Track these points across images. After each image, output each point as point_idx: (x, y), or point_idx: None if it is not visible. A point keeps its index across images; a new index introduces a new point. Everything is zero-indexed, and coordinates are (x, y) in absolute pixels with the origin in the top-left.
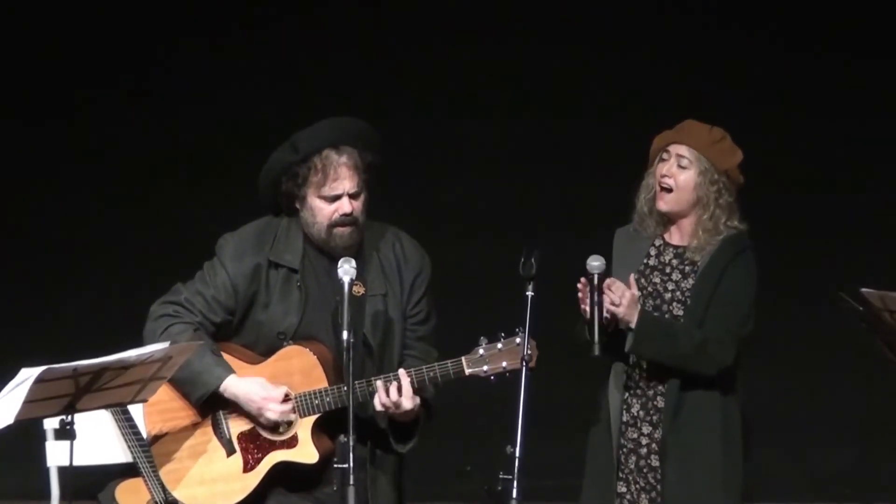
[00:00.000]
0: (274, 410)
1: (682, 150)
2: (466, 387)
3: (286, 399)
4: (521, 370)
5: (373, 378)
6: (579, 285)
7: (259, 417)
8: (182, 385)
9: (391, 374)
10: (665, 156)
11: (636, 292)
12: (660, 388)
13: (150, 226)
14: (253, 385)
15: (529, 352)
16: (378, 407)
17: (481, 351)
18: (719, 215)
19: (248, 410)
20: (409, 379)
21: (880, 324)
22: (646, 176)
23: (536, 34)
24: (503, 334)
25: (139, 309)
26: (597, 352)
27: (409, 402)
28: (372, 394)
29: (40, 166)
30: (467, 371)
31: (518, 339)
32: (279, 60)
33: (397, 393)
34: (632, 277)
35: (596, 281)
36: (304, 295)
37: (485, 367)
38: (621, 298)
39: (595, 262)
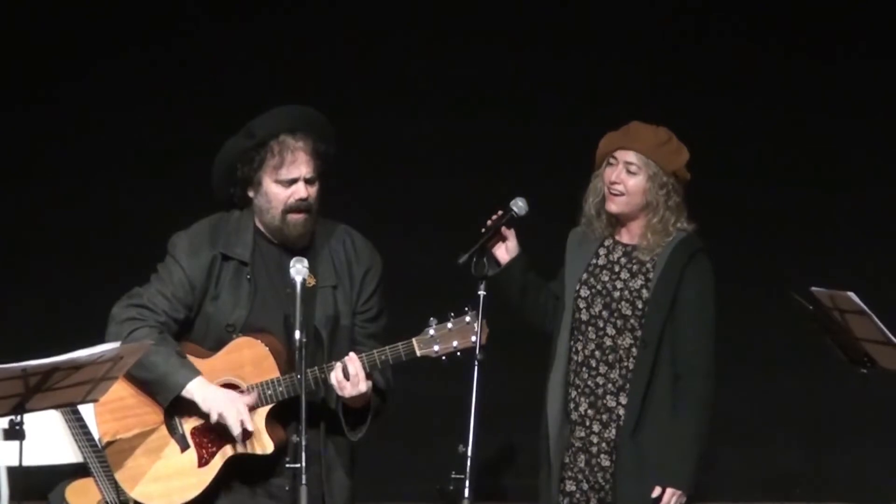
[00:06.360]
0: (236, 423)
1: (630, 155)
2: (419, 385)
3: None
4: (473, 358)
5: (325, 365)
6: (494, 216)
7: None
8: (149, 386)
9: (344, 358)
10: (612, 161)
11: None
12: (609, 386)
13: (101, 226)
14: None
15: (483, 343)
16: (333, 383)
17: (431, 331)
18: (668, 217)
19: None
20: (359, 362)
21: (830, 323)
22: (592, 178)
23: (494, 35)
24: (452, 314)
25: (90, 309)
26: (460, 260)
27: (362, 384)
28: (326, 381)
29: None
30: (419, 352)
31: (468, 318)
32: (236, 59)
33: (350, 372)
34: None
35: (507, 219)
36: (253, 287)
37: (436, 348)
38: None
39: (520, 203)
